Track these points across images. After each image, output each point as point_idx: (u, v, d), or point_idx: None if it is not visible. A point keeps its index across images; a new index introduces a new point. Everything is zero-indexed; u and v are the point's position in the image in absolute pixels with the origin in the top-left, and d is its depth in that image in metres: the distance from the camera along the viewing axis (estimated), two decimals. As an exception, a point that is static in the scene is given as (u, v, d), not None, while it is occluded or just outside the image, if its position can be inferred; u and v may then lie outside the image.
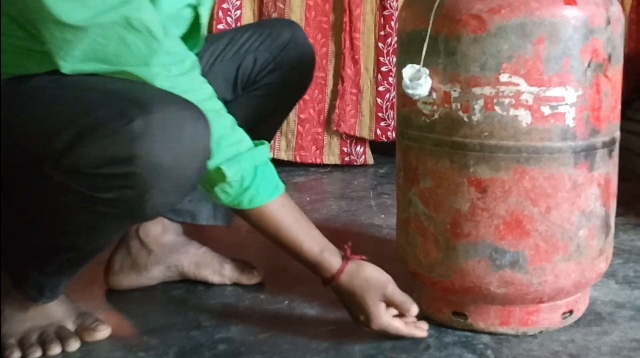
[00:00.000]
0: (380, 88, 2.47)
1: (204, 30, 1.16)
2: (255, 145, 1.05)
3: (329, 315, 1.20)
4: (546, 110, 1.01)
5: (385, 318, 1.08)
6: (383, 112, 2.47)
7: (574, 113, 1.02)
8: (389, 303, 1.08)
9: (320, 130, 2.45)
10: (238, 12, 2.37)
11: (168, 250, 1.32)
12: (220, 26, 2.33)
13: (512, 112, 1.01)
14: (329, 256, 1.08)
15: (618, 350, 1.07)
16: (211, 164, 0.99)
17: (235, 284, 1.34)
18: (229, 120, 1.04)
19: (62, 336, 1.08)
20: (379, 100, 2.46)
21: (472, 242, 1.06)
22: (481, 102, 1.02)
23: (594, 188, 1.07)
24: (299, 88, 1.40)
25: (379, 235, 1.68)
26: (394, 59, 2.45)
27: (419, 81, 1.04)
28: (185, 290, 1.31)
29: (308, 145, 2.43)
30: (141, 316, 1.21)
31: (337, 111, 2.43)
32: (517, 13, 0.99)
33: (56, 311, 1.11)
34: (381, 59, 2.45)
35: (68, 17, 0.88)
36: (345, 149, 2.48)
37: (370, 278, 1.08)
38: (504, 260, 1.05)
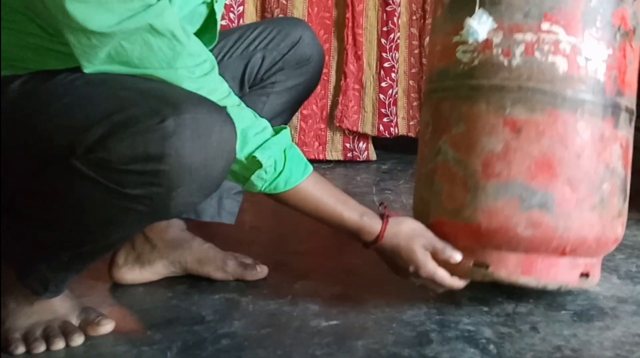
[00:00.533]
0: (383, 84, 2.47)
1: (218, 25, 1.17)
2: (276, 131, 1.08)
3: (332, 310, 1.20)
4: (581, 61, 1.09)
5: (433, 265, 1.12)
6: (386, 108, 2.47)
7: (605, 69, 1.10)
8: (433, 254, 1.12)
9: (323, 126, 2.46)
10: (241, 8, 2.37)
11: (172, 246, 1.33)
12: (222, 22, 2.33)
13: (550, 58, 1.08)
14: (369, 220, 1.12)
15: (620, 345, 1.08)
16: (244, 154, 1.02)
17: (238, 280, 1.34)
18: (250, 111, 1.06)
19: (66, 331, 1.08)
20: (381, 96, 2.46)
21: (503, 181, 1.09)
22: (522, 47, 1.09)
23: (617, 146, 1.13)
24: (306, 88, 1.40)
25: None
26: (397, 55, 2.45)
27: (482, 24, 1.12)
28: (188, 285, 1.32)
29: (311, 141, 2.43)
30: (145, 311, 1.22)
31: (339, 107, 2.43)
32: None
33: (60, 306, 1.11)
34: (384, 55, 2.46)
35: (94, 25, 0.90)
36: (347, 145, 2.48)
37: (413, 228, 1.13)
38: (533, 200, 1.08)
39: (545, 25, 1.08)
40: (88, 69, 0.94)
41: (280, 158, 1.05)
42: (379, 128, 2.47)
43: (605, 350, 1.06)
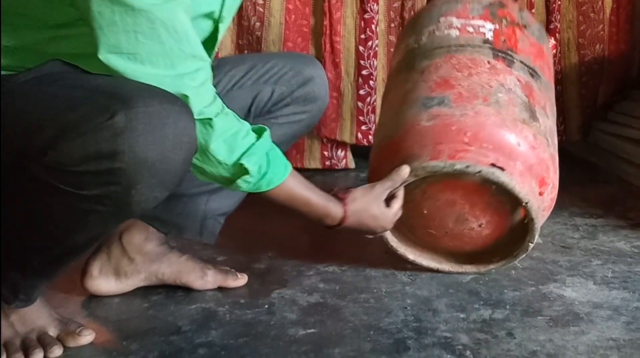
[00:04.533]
0: (361, 92, 2.47)
1: (217, 46, 1.19)
2: (257, 131, 1.09)
3: (309, 318, 1.20)
4: (470, 29, 1.44)
5: (391, 214, 1.27)
6: (364, 116, 2.48)
7: (492, 34, 1.43)
8: (388, 187, 1.27)
9: (301, 134, 2.45)
10: (218, 16, 2.36)
11: (149, 259, 1.32)
12: (200, 31, 2.33)
13: (445, 32, 1.45)
14: (334, 205, 1.21)
15: (595, 349, 1.08)
16: (231, 159, 1.04)
17: (217, 288, 1.33)
18: (232, 114, 1.07)
19: (44, 342, 1.07)
20: (359, 104, 2.46)
21: (410, 101, 1.34)
22: (427, 33, 1.49)
23: (513, 78, 1.35)
24: (308, 124, 1.41)
25: (362, 238, 1.67)
26: (375, 63, 2.46)
27: None
28: (164, 295, 1.31)
29: (289, 150, 2.42)
30: (121, 321, 1.21)
31: (318, 115, 2.43)
32: None
33: (38, 317, 1.10)
34: (362, 62, 2.46)
35: None
36: (326, 153, 2.48)
37: (365, 198, 1.24)
38: (432, 102, 1.30)
39: (442, 19, 1.48)
40: (100, 54, 0.93)
41: (264, 162, 1.08)
42: (357, 136, 2.47)
43: (580, 354, 1.07)
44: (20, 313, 1.09)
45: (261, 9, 2.36)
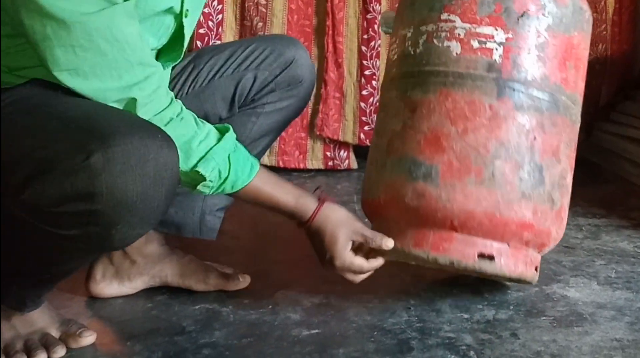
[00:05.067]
0: (364, 92, 2.47)
1: (185, 43, 1.15)
2: (220, 131, 1.06)
3: (313, 319, 1.20)
4: (475, 44, 1.15)
5: (349, 256, 1.15)
6: (367, 116, 2.48)
7: (502, 52, 1.15)
8: (360, 241, 1.16)
9: (303, 135, 2.45)
10: (220, 16, 2.37)
11: (151, 261, 1.32)
12: (201, 30, 2.33)
13: (446, 43, 1.17)
14: (304, 202, 1.14)
15: (599, 350, 1.08)
16: (187, 166, 1.00)
17: (219, 290, 1.34)
18: (191, 117, 1.04)
19: (47, 343, 1.07)
20: (362, 104, 2.46)
21: (398, 157, 1.18)
22: (425, 37, 1.19)
23: (518, 125, 1.14)
24: (296, 109, 1.38)
25: (363, 239, 1.68)
26: (377, 63, 2.46)
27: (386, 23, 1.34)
28: (168, 295, 1.31)
29: (291, 150, 2.43)
30: (125, 322, 1.21)
31: (320, 115, 2.43)
32: None
33: (40, 318, 1.10)
34: (364, 62, 2.46)
35: (52, 8, 0.86)
36: (328, 153, 2.48)
37: (342, 217, 1.16)
38: (419, 172, 1.14)
39: (444, 16, 1.17)
40: (53, 70, 0.90)
41: (224, 166, 1.04)
42: (359, 136, 2.47)
43: (584, 355, 1.07)
44: (23, 315, 1.09)
45: (264, 9, 2.36)
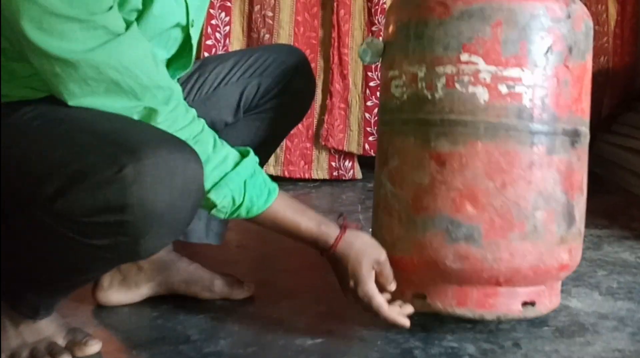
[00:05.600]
0: (369, 103, 2.49)
1: (194, 51, 1.17)
2: (241, 153, 1.05)
3: (317, 328, 1.21)
4: (503, 89, 1.06)
5: (373, 287, 1.10)
6: (371, 127, 2.49)
7: (531, 95, 1.07)
8: (378, 274, 1.11)
9: (308, 145, 2.47)
10: (227, 27, 2.39)
11: (158, 268, 1.33)
12: (209, 42, 2.35)
13: (470, 89, 1.07)
14: (327, 229, 1.11)
15: (600, 360, 1.09)
16: None
17: (224, 298, 1.35)
18: (210, 139, 1.03)
19: (53, 352, 1.08)
20: (367, 115, 2.48)
21: (430, 215, 1.09)
22: (443, 80, 1.08)
23: (552, 171, 1.09)
24: (298, 116, 1.41)
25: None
26: (381, 75, 2.47)
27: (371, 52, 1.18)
28: (173, 304, 1.32)
29: (296, 160, 2.45)
30: (130, 331, 1.22)
31: (325, 125, 2.45)
32: None
33: (47, 327, 1.11)
34: (369, 74, 2.48)
35: (56, 50, 0.88)
36: (333, 163, 2.50)
37: (367, 244, 1.12)
38: (459, 233, 1.07)
39: (464, 57, 1.07)
40: (70, 102, 0.93)
41: (239, 193, 1.03)
42: (364, 147, 2.49)
43: (586, 365, 1.08)
44: (29, 323, 1.10)
45: (270, 21, 2.39)
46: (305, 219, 1.11)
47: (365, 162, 2.59)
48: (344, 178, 2.50)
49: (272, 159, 2.43)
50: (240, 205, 1.04)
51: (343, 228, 1.12)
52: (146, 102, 0.95)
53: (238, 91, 1.32)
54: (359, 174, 2.52)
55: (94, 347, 1.12)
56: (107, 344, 1.15)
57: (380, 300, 1.09)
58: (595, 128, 2.49)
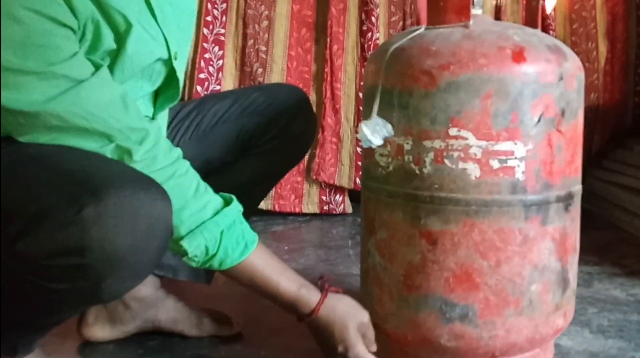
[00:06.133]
0: (360, 137, 2.50)
1: (180, 82, 1.16)
2: (225, 201, 1.03)
3: (305, 366, 1.20)
4: (495, 164, 1.02)
5: (364, 349, 1.08)
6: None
7: (524, 167, 1.03)
8: (362, 336, 1.09)
9: (299, 179, 2.47)
10: (220, 61, 2.41)
11: (145, 305, 1.32)
12: (202, 75, 2.37)
13: (461, 165, 1.02)
14: (307, 292, 1.08)
15: (590, 401, 1.08)
16: (175, 235, 0.97)
17: (212, 336, 1.33)
18: (193, 184, 1.01)
19: None
20: (358, 149, 2.49)
21: (422, 294, 1.07)
22: (431, 155, 1.03)
23: (547, 242, 1.07)
24: (298, 157, 1.40)
25: (356, 285, 1.67)
26: (373, 109, 2.49)
27: (376, 131, 1.05)
28: (160, 341, 1.31)
29: (287, 194, 2.45)
30: (116, 368, 1.21)
31: (317, 159, 2.45)
32: (465, 69, 1.01)
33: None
34: (362, 108, 2.49)
35: (14, 104, 0.87)
36: (324, 198, 2.49)
37: (351, 307, 1.10)
38: (453, 313, 1.05)
39: (453, 131, 1.02)
40: (22, 139, 0.92)
41: (214, 243, 1.00)
42: (355, 181, 2.49)
43: (575, 406, 1.07)
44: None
45: (264, 56, 2.40)
46: (284, 279, 1.08)
47: (356, 196, 2.58)
48: (334, 212, 2.49)
49: (263, 192, 2.42)
50: (214, 256, 1.01)
51: (325, 291, 1.09)
52: (118, 142, 0.93)
53: (236, 130, 1.31)
54: (349, 209, 2.52)
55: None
56: (91, 382, 1.13)
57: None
58: (586, 164, 2.50)
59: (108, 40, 0.97)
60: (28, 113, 0.89)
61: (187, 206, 0.98)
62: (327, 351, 1.11)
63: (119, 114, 0.94)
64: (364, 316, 1.10)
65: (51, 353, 1.18)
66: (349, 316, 1.08)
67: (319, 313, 1.07)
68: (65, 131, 0.91)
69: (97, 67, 0.94)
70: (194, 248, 0.99)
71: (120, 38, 0.98)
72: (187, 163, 1.02)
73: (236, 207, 1.04)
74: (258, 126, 1.31)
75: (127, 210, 0.85)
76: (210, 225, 1.00)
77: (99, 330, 1.30)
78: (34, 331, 1.06)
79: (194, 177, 1.02)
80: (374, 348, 1.12)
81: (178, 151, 1.02)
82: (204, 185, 1.03)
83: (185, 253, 1.00)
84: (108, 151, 0.94)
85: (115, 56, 0.99)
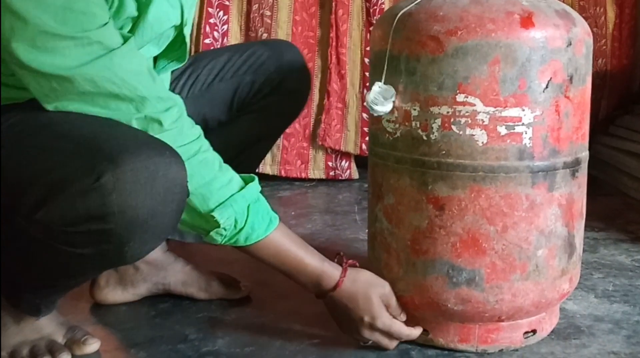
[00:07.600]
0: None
1: (187, 43, 1.16)
2: (245, 181, 1.04)
3: (314, 329, 1.21)
4: (502, 130, 1.02)
5: (389, 316, 1.09)
6: (368, 127, 2.49)
7: (531, 133, 1.03)
8: (386, 306, 1.10)
9: (305, 144, 2.47)
10: (225, 26, 2.39)
11: (154, 268, 1.33)
12: (207, 41, 2.35)
13: (468, 131, 1.02)
14: (330, 266, 1.09)
15: (596, 363, 1.10)
16: (204, 209, 0.98)
17: (221, 299, 1.35)
18: (216, 160, 1.02)
19: (53, 350, 1.09)
20: (364, 115, 2.48)
21: (430, 259, 1.07)
22: (439, 121, 1.03)
23: (554, 208, 1.07)
24: (293, 114, 1.40)
25: (363, 250, 1.69)
26: (379, 75, 2.48)
27: (384, 99, 1.06)
28: (171, 303, 1.33)
29: (293, 159, 2.45)
30: (128, 330, 1.22)
31: (322, 125, 2.45)
32: (473, 35, 1.01)
33: (47, 325, 1.12)
34: (367, 74, 2.48)
35: (49, 68, 0.88)
36: (330, 163, 2.50)
37: (371, 279, 1.11)
38: (460, 278, 1.06)
39: (460, 97, 1.02)
40: (49, 108, 0.92)
41: (242, 216, 1.01)
42: (361, 147, 2.49)
43: (582, 368, 1.09)
44: (31, 320, 1.10)
45: (268, 20, 2.39)
46: (308, 254, 1.08)
47: (362, 162, 2.59)
48: (340, 177, 2.50)
49: (268, 158, 2.43)
50: (241, 230, 1.02)
51: (345, 265, 1.10)
52: (147, 112, 0.94)
53: (232, 88, 1.31)
54: (355, 174, 2.52)
55: (93, 345, 1.12)
56: (105, 342, 1.15)
57: (398, 325, 1.10)
58: (593, 130, 2.49)
59: (130, 8, 0.98)
60: (63, 77, 0.89)
61: (216, 179, 0.99)
62: (348, 326, 1.11)
63: (148, 83, 0.94)
64: (385, 286, 1.11)
65: (66, 314, 1.20)
66: (371, 286, 1.09)
67: (341, 286, 1.08)
68: (96, 97, 0.91)
69: (125, 39, 0.94)
70: (225, 219, 0.99)
71: (142, 5, 1.00)
72: (207, 142, 1.03)
73: (257, 185, 1.05)
74: (253, 84, 1.31)
75: (145, 175, 0.86)
76: (238, 198, 1.00)
77: (110, 293, 1.31)
78: (57, 292, 1.08)
79: (215, 153, 1.03)
80: (404, 317, 1.12)
81: (199, 128, 1.02)
82: (224, 163, 1.03)
83: (215, 226, 1.00)
84: (135, 121, 0.94)
85: (135, 23, 1.00)
